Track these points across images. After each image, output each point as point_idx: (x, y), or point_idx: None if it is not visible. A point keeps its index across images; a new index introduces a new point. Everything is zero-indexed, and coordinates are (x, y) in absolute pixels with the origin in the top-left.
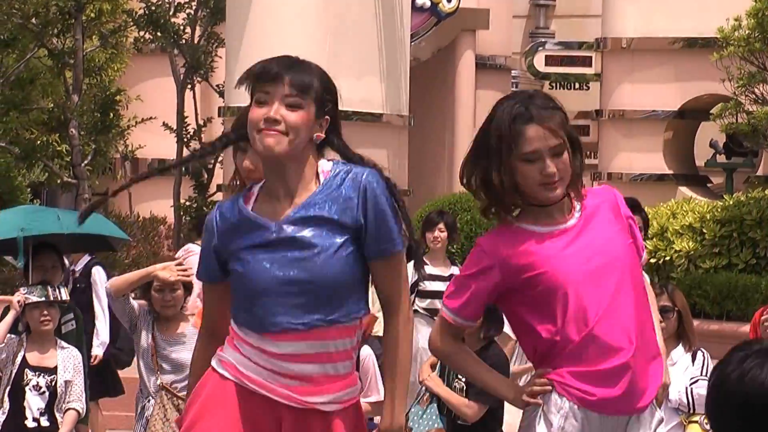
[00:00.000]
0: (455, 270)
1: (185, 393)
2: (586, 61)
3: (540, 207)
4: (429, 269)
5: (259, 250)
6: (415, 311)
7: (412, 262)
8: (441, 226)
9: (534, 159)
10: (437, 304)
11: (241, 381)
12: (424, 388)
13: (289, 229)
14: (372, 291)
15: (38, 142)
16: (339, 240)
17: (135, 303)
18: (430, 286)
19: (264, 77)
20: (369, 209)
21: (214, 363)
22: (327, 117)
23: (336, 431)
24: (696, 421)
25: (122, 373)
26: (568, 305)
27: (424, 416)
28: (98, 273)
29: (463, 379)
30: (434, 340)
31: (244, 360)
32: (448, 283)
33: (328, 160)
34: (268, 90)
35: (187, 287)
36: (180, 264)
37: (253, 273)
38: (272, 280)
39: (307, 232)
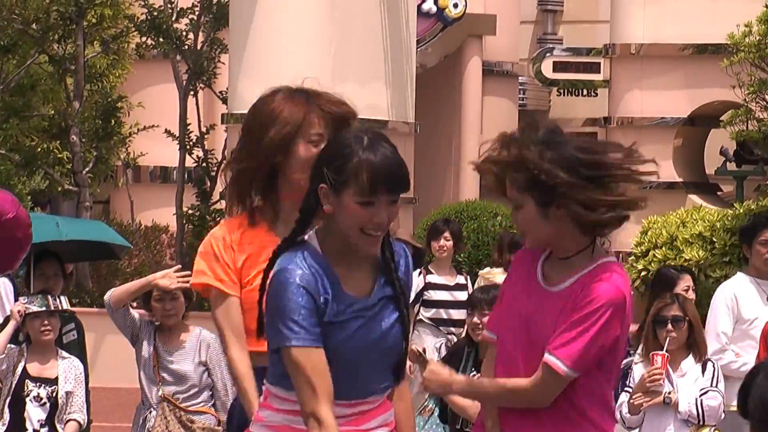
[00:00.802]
0: (461, 279)
1: (188, 404)
2: (595, 68)
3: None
4: (434, 278)
5: None
6: (420, 320)
7: (417, 271)
8: (447, 234)
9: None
10: (442, 313)
11: None
12: (426, 399)
13: None
14: None
15: (39, 149)
16: None
17: (136, 314)
18: (435, 295)
19: (388, 186)
20: None
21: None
22: None
23: None
24: None
25: (114, 384)
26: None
27: (426, 426)
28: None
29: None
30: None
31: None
32: (453, 292)
33: None
34: (377, 195)
35: (188, 296)
36: (179, 271)
37: None
38: None
39: None
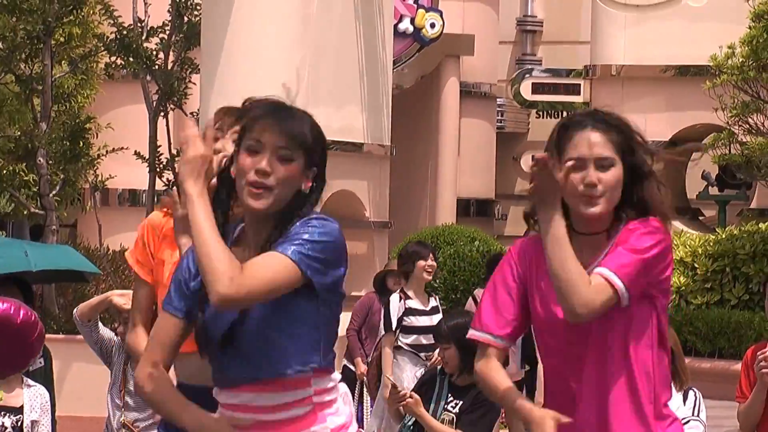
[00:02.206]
0: (433, 302)
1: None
2: (575, 89)
3: (581, 236)
4: (413, 303)
5: None
6: (398, 347)
7: (397, 296)
8: (431, 255)
9: (578, 166)
10: (422, 339)
11: None
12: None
13: None
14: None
15: (4, 171)
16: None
17: (109, 333)
18: (415, 321)
19: (258, 123)
20: None
21: None
22: (314, 168)
23: None
24: None
25: (80, 413)
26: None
27: None
28: None
29: (455, 410)
30: None
31: None
32: (431, 316)
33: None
34: (260, 138)
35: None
36: None
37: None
38: None
39: None
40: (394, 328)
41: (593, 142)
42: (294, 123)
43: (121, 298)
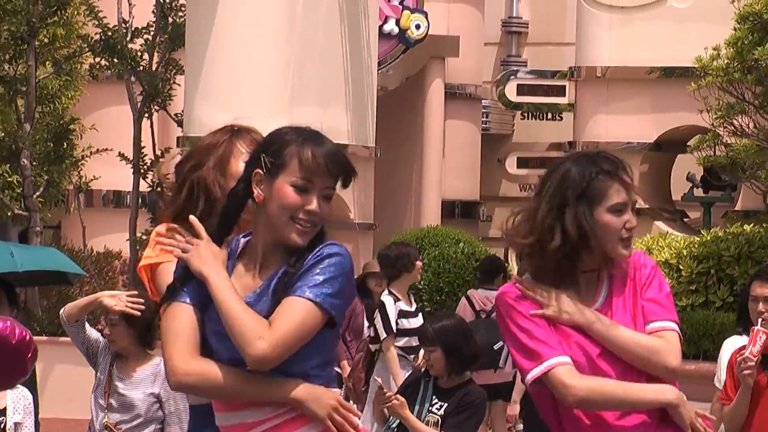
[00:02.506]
0: (415, 304)
1: None
2: (560, 91)
3: (584, 275)
4: (403, 305)
5: None
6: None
7: (392, 299)
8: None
9: (619, 209)
10: (413, 342)
11: None
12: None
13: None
14: None
15: None
16: None
17: (96, 334)
18: (406, 323)
19: (311, 163)
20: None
21: None
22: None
23: None
24: None
25: (64, 415)
26: None
27: None
28: None
29: (440, 412)
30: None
31: None
32: (419, 317)
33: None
34: (311, 179)
35: (131, 323)
36: (134, 296)
37: None
38: None
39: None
40: (391, 333)
41: (625, 188)
42: (338, 163)
43: (112, 299)
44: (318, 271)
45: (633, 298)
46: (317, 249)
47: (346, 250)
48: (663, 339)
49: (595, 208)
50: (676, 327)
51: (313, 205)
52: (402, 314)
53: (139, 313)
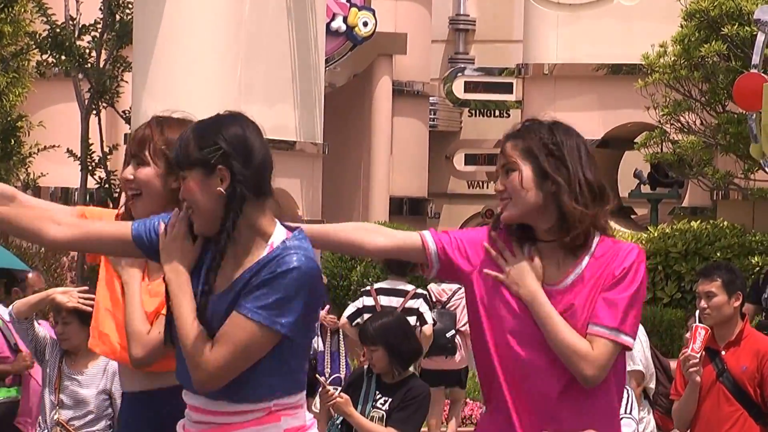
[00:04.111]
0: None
1: (83, 431)
2: (507, 88)
3: (543, 244)
4: (368, 300)
5: None
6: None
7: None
8: None
9: (498, 176)
10: None
11: None
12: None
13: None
14: None
15: None
16: None
17: (44, 331)
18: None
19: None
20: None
21: None
22: (220, 167)
23: None
24: None
25: None
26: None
27: None
28: None
29: (384, 407)
30: None
31: None
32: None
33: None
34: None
35: (84, 321)
36: (85, 292)
37: None
38: None
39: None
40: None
41: (506, 150)
42: (178, 146)
43: (64, 296)
44: (269, 289)
45: (597, 290)
46: (275, 258)
47: (305, 259)
48: (593, 344)
49: None
50: (617, 336)
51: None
52: (366, 309)
53: (91, 309)
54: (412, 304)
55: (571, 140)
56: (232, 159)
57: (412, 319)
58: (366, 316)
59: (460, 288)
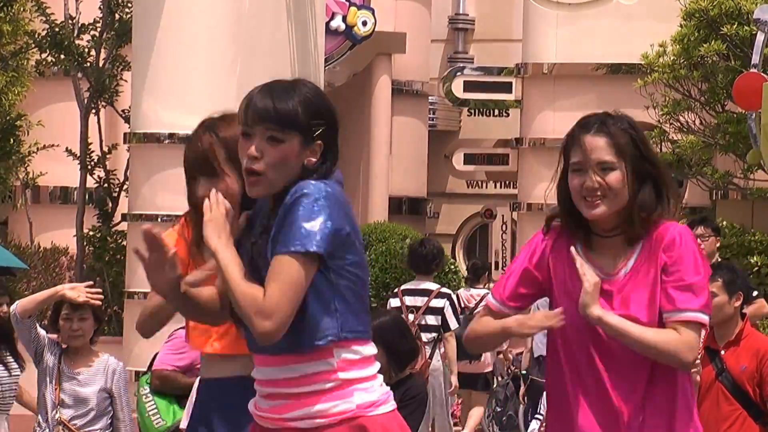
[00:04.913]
0: None
1: (85, 430)
2: (506, 88)
3: (600, 238)
4: None
5: None
6: None
7: None
8: None
9: (577, 169)
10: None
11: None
12: None
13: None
14: None
15: None
16: None
17: (42, 331)
18: None
19: (255, 114)
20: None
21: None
22: (319, 142)
23: None
24: None
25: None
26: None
27: None
28: None
29: None
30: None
31: None
32: None
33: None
34: (249, 125)
35: (98, 318)
36: (91, 287)
37: None
38: None
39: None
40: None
41: (596, 147)
42: (257, 109)
43: (73, 291)
44: (288, 221)
45: (656, 276)
46: (288, 196)
47: (314, 184)
48: (680, 330)
49: (568, 169)
50: (699, 316)
51: (251, 150)
52: None
53: (99, 303)
54: (436, 303)
55: (643, 134)
56: (330, 138)
57: (434, 319)
58: None
59: (488, 293)
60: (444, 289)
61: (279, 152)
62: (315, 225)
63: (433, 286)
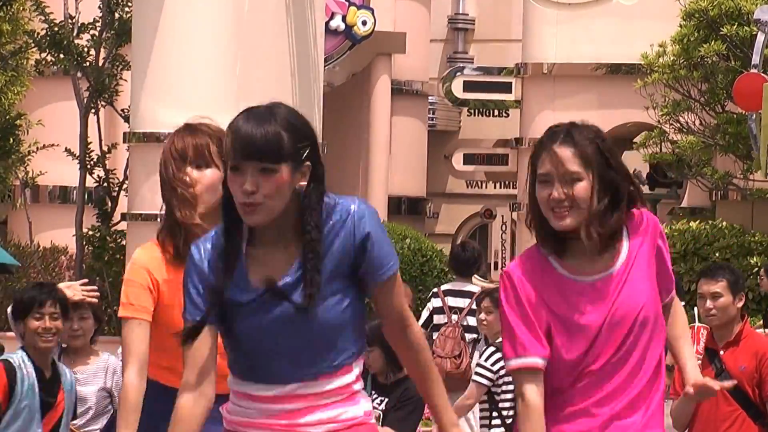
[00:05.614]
0: None
1: (85, 429)
2: (506, 88)
3: (575, 241)
4: None
5: None
6: None
7: None
8: None
9: (544, 180)
10: None
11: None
12: None
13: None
14: None
15: None
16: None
17: None
18: None
19: (237, 147)
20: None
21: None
22: (307, 163)
23: None
24: None
25: None
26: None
27: None
28: None
29: (380, 407)
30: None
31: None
32: None
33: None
34: (241, 159)
35: (98, 318)
36: (86, 284)
37: None
38: None
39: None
40: None
41: (563, 159)
42: (263, 139)
43: (69, 290)
44: (377, 241)
45: (649, 261)
46: (335, 215)
47: (358, 201)
48: (677, 307)
49: (536, 179)
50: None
51: (246, 184)
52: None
53: (95, 301)
54: None
55: (610, 143)
56: (314, 155)
57: (476, 321)
58: (437, 318)
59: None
60: None
61: (274, 182)
62: (388, 242)
63: (475, 288)
